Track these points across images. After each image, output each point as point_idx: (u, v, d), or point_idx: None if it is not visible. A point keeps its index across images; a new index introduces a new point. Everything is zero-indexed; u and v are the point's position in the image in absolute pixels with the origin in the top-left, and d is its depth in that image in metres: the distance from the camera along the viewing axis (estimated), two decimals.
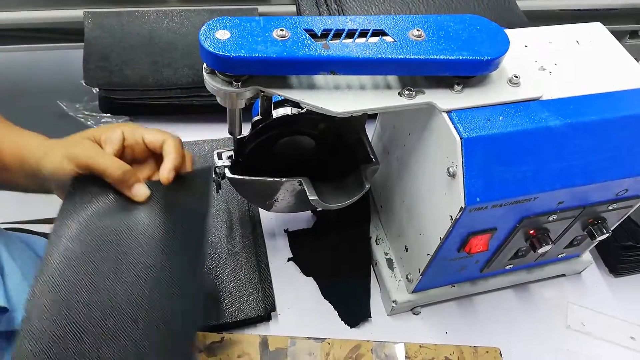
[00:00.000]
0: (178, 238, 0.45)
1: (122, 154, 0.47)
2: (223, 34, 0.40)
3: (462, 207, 0.43)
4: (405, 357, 0.54)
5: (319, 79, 0.44)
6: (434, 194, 0.48)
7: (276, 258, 0.63)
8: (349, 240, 0.64)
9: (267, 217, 0.66)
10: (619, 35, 1.19)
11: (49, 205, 0.48)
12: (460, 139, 0.42)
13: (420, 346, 0.55)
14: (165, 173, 0.46)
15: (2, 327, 0.46)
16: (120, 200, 0.46)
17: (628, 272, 0.66)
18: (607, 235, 0.53)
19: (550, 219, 0.49)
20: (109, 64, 0.74)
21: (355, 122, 0.56)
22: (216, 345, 0.53)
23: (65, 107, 0.81)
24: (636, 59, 0.51)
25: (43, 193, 0.50)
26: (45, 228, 0.64)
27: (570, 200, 0.48)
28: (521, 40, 0.51)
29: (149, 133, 0.48)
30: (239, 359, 0.53)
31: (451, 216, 0.45)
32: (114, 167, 0.45)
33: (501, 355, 0.55)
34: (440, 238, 0.48)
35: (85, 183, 0.45)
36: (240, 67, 0.40)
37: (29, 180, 0.48)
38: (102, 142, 0.46)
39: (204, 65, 0.42)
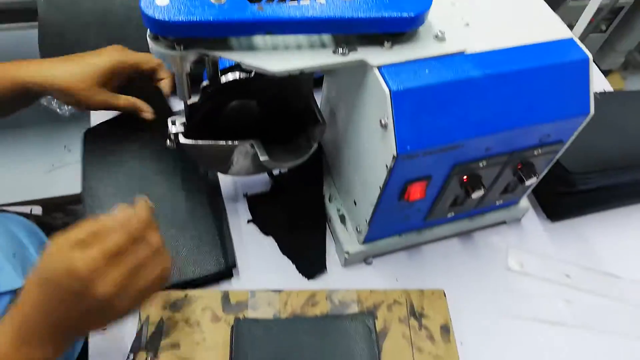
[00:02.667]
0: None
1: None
2: (162, 1, 0.42)
3: (394, 155, 0.47)
4: (358, 301, 0.59)
5: (258, 40, 0.47)
6: (372, 146, 0.52)
7: (237, 220, 0.67)
8: (304, 200, 0.67)
9: (226, 184, 0.69)
10: None
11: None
12: (390, 91, 0.45)
13: (371, 292, 0.60)
14: (168, 89, 0.69)
15: None
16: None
17: (564, 216, 0.72)
18: (535, 179, 0.57)
19: (481, 165, 0.54)
20: (65, 43, 0.75)
21: (304, 88, 0.59)
22: (180, 301, 0.56)
23: None
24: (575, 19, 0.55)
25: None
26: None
27: (497, 147, 0.53)
28: None
29: (139, 55, 0.67)
30: (202, 312, 0.56)
31: (386, 165, 0.49)
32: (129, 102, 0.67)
33: (445, 296, 0.60)
34: (380, 187, 0.52)
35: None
36: (179, 30, 0.43)
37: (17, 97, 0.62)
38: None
39: (148, 31, 0.45)
